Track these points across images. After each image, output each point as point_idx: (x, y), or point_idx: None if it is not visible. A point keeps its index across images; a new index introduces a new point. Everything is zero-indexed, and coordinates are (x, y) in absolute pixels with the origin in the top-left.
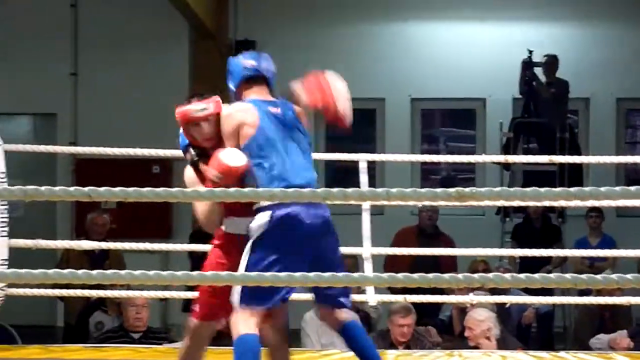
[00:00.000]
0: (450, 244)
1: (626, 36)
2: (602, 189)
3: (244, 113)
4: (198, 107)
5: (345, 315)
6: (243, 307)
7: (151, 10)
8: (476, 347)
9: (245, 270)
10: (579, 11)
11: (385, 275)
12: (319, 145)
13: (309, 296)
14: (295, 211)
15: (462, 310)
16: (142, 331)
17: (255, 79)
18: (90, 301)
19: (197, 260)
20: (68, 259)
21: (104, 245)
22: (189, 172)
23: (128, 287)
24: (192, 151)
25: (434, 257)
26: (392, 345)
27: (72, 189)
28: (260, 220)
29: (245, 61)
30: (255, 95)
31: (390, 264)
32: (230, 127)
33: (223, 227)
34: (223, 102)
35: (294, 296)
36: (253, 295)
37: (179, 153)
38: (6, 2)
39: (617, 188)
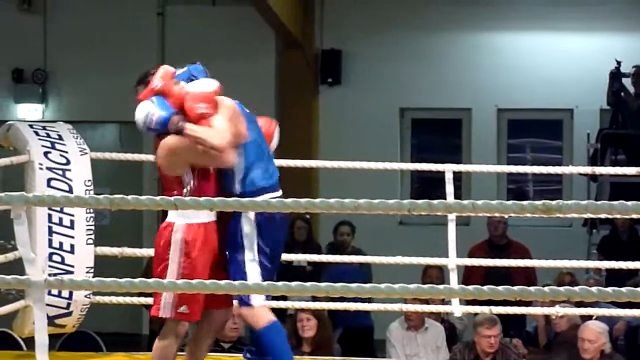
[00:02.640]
0: (523, 254)
1: None
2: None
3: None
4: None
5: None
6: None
7: (238, 20)
8: None
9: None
10: None
11: (470, 287)
12: (404, 155)
13: (395, 307)
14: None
15: (548, 322)
16: (232, 341)
17: None
18: None
19: (282, 269)
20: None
21: None
22: (169, 141)
23: None
24: (179, 118)
25: (507, 268)
26: (478, 357)
27: (158, 198)
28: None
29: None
30: None
31: (467, 276)
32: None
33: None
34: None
35: (379, 306)
36: None
37: None
38: (93, 12)
39: None
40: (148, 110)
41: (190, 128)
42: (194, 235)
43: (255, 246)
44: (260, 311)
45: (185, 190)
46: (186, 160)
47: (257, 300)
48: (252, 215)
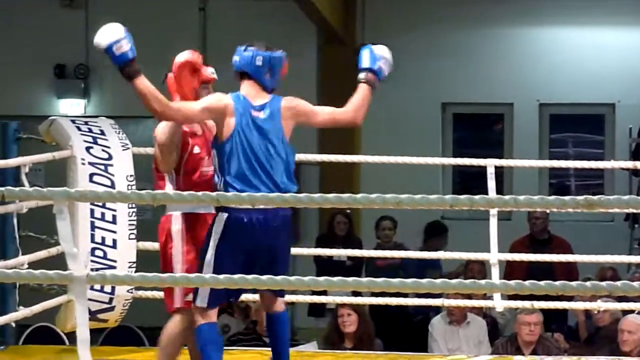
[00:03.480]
0: (565, 248)
1: None
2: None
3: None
4: (212, 70)
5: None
6: None
7: (280, 14)
8: (627, 354)
9: None
10: None
11: (512, 282)
12: (446, 150)
13: (437, 302)
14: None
15: (589, 316)
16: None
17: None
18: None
19: (321, 263)
20: None
21: None
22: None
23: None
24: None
25: (548, 263)
26: (520, 350)
27: (200, 193)
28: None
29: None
30: (244, 91)
31: (509, 271)
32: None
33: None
34: None
35: (420, 301)
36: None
37: (305, 157)
38: (135, 7)
39: None
40: (122, 37)
41: (142, 83)
42: (192, 223)
43: (214, 250)
44: (200, 312)
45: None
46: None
47: (201, 301)
48: (224, 217)
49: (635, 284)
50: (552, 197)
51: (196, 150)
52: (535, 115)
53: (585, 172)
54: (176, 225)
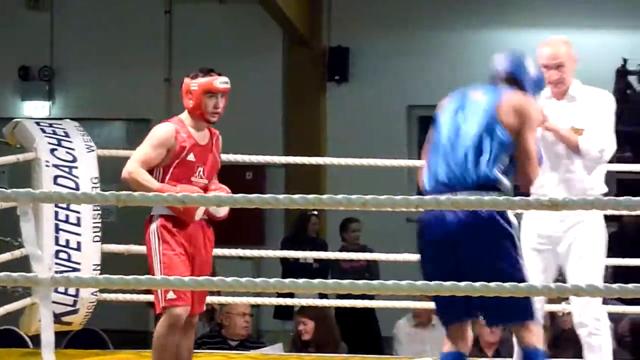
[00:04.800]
0: None
1: None
2: None
3: None
4: (224, 80)
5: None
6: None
7: (245, 17)
8: None
9: None
10: None
11: (477, 284)
12: (412, 152)
13: (403, 304)
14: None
15: (554, 319)
16: (240, 339)
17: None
18: None
19: (288, 266)
20: None
21: None
22: None
23: (218, 294)
24: None
25: None
26: (482, 352)
27: (165, 194)
28: None
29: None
30: None
31: None
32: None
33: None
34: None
35: (386, 303)
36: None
37: (271, 159)
38: (100, 9)
39: None
40: None
41: None
42: (170, 223)
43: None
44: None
45: None
46: None
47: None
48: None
49: (600, 285)
50: (517, 198)
51: (190, 157)
52: None
53: None
54: (154, 225)
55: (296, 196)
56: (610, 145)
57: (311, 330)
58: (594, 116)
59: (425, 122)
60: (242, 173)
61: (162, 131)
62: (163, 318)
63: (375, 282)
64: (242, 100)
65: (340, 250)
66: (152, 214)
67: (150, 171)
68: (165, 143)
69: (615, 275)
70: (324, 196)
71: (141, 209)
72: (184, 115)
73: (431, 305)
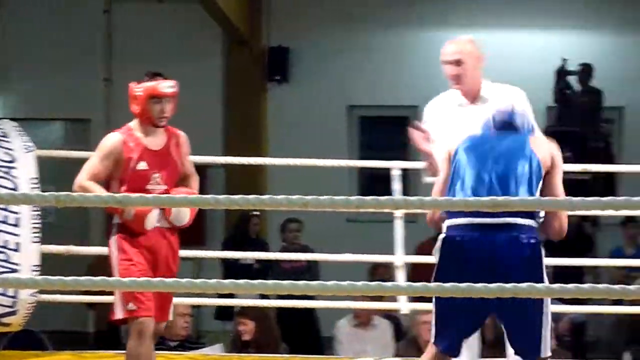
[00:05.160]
0: None
1: None
2: (635, 198)
3: None
4: (169, 84)
5: None
6: None
7: (185, 17)
8: None
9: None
10: (613, 20)
11: (418, 284)
12: (352, 152)
13: (343, 304)
14: (462, 235)
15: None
16: (179, 340)
17: None
18: None
19: (229, 267)
20: (99, 265)
21: None
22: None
23: None
24: None
25: None
26: (420, 351)
27: (104, 195)
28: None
29: None
30: None
31: (415, 273)
32: None
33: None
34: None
35: (327, 303)
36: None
37: (211, 159)
38: (40, 9)
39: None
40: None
41: None
42: (129, 233)
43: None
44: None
45: None
46: None
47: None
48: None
49: (540, 286)
50: (457, 198)
51: (141, 166)
52: None
53: None
54: (114, 235)
55: (237, 196)
56: None
57: (251, 331)
58: None
59: (365, 122)
60: None
61: (108, 142)
62: (130, 328)
63: (315, 282)
64: (182, 100)
65: (281, 251)
66: (112, 222)
67: (108, 184)
68: (112, 154)
69: (555, 274)
70: (265, 196)
71: (81, 210)
72: (133, 123)
73: (372, 305)
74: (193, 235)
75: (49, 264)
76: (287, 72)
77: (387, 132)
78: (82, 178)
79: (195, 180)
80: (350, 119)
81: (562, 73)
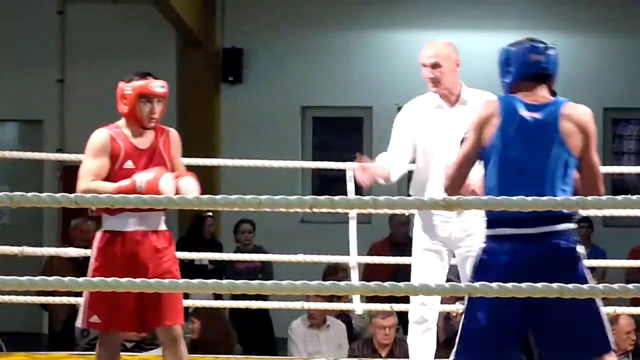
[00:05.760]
0: None
1: (613, 46)
2: (590, 198)
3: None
4: (159, 84)
5: None
6: None
7: (139, 18)
8: None
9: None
10: (566, 21)
11: (371, 283)
12: (306, 153)
13: (297, 305)
14: (501, 246)
15: (448, 318)
16: (135, 341)
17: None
18: (76, 308)
19: (182, 268)
20: (52, 266)
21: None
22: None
23: None
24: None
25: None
26: (376, 352)
27: (58, 195)
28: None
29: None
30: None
31: (369, 274)
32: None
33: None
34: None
35: (280, 304)
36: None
37: None
38: None
39: (605, 197)
40: None
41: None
42: (105, 242)
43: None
44: None
45: None
46: None
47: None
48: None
49: (493, 285)
50: (411, 198)
51: (128, 165)
52: (394, 118)
53: None
54: (96, 242)
55: (190, 197)
56: None
57: (197, 330)
58: None
59: (319, 122)
60: None
61: (96, 139)
62: (98, 339)
63: (269, 282)
64: None
65: (236, 252)
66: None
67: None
68: (104, 149)
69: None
70: (218, 197)
71: (35, 210)
72: (122, 121)
73: (326, 305)
74: None
75: (2, 265)
76: (241, 73)
77: (341, 133)
78: (85, 182)
79: None
80: (304, 119)
81: None
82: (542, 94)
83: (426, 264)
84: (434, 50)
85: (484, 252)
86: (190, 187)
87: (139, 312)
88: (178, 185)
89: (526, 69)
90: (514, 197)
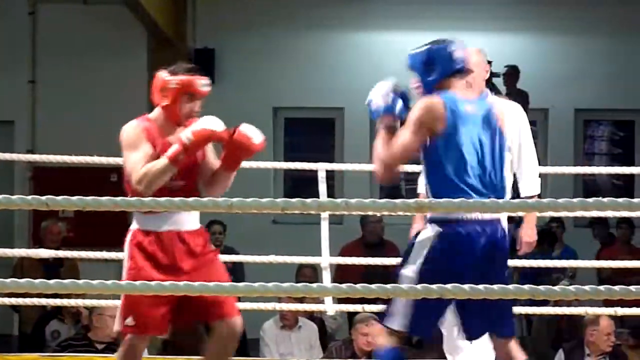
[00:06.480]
0: (396, 253)
1: (584, 48)
2: (561, 200)
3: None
4: (205, 82)
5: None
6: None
7: (110, 19)
8: None
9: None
10: (539, 23)
11: (343, 285)
12: (278, 154)
13: (269, 306)
14: (466, 230)
15: None
16: (107, 342)
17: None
18: (46, 310)
19: None
20: (22, 267)
21: (61, 253)
22: None
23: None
24: None
25: (384, 266)
26: (355, 355)
27: (29, 197)
28: (425, 234)
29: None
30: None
31: (341, 275)
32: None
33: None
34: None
35: (252, 305)
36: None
37: None
38: None
39: (576, 200)
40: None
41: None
42: (140, 240)
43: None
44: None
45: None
46: None
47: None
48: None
49: (465, 287)
50: (383, 200)
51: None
52: (366, 119)
53: (416, 177)
54: (127, 240)
55: (162, 199)
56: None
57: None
58: (520, 141)
59: (291, 123)
60: (107, 175)
61: (130, 131)
62: (123, 342)
63: (241, 284)
64: (107, 101)
65: None
66: (130, 228)
67: (126, 191)
68: (141, 138)
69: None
70: (190, 199)
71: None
72: (155, 114)
73: (298, 306)
74: (118, 237)
75: None
76: (213, 74)
77: (313, 133)
78: (136, 173)
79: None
80: (275, 120)
81: (488, 75)
82: (468, 88)
83: None
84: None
85: (440, 238)
86: (251, 129)
87: (173, 312)
88: (238, 129)
89: (453, 66)
90: (487, 200)
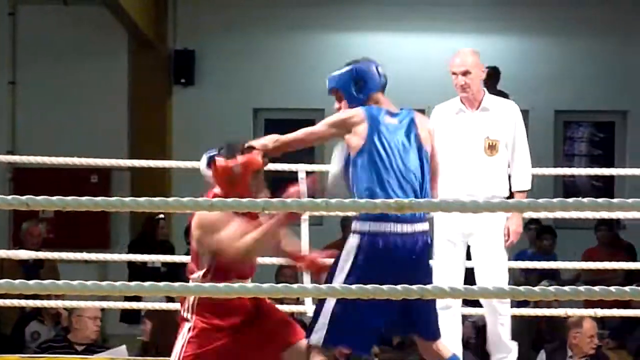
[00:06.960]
0: None
1: (565, 50)
2: (541, 200)
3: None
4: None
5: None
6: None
7: (91, 20)
8: None
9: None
10: (519, 25)
11: (324, 286)
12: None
13: None
14: (384, 242)
15: None
16: (86, 344)
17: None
18: (25, 311)
19: (135, 270)
20: (2, 268)
21: (41, 254)
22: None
23: (60, 298)
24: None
25: None
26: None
27: (9, 197)
28: (349, 244)
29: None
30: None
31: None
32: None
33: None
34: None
35: None
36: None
37: (117, 162)
38: None
39: (556, 200)
40: None
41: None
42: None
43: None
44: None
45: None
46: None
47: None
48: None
49: (445, 287)
50: (364, 201)
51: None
52: None
53: None
54: (183, 336)
55: (142, 199)
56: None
57: (149, 332)
58: (515, 139)
59: (271, 124)
60: (87, 176)
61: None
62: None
63: (222, 285)
64: (87, 103)
65: (187, 254)
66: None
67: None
68: (232, 215)
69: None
70: (170, 199)
71: None
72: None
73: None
74: (97, 238)
75: None
76: (193, 75)
77: None
78: (239, 243)
79: None
80: (255, 121)
81: None
82: (389, 102)
83: (447, 254)
84: (464, 58)
85: (360, 248)
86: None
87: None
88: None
89: (379, 82)
90: (467, 201)
